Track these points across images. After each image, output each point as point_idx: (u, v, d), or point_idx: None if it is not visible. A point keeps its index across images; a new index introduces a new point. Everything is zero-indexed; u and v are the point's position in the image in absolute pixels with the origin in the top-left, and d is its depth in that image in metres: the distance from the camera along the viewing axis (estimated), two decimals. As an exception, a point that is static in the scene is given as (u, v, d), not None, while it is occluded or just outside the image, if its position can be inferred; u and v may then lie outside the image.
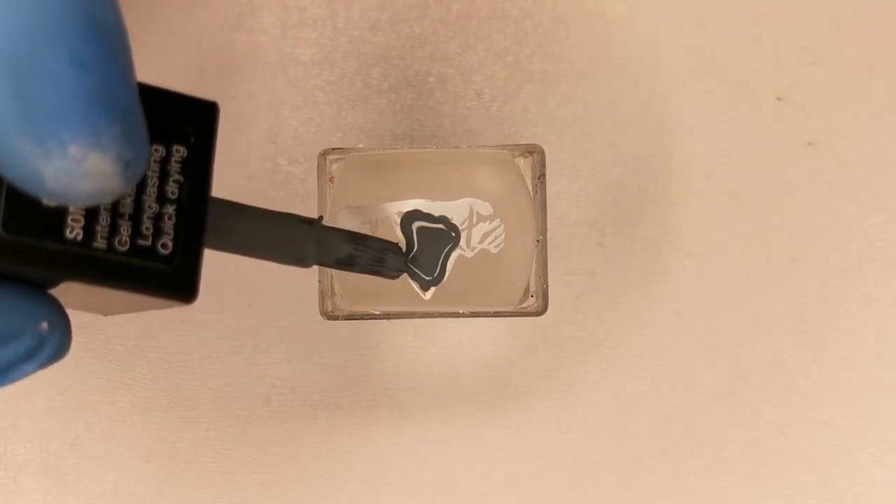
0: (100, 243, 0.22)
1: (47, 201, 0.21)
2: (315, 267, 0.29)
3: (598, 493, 0.36)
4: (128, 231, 0.22)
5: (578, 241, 0.36)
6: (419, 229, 0.32)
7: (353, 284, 0.32)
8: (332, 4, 0.36)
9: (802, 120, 0.37)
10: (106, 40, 0.19)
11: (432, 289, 0.32)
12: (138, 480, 0.36)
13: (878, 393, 0.36)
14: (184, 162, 0.23)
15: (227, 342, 0.36)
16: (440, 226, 0.32)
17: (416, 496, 0.36)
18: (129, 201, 0.22)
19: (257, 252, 0.26)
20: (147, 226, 0.22)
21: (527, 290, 0.32)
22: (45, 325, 0.22)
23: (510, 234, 0.32)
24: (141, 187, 0.22)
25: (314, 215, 0.27)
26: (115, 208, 0.22)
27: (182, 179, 0.23)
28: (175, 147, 0.23)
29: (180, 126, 0.23)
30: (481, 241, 0.32)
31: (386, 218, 0.32)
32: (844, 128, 0.37)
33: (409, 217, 0.32)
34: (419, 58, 0.37)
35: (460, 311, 0.32)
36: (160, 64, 0.36)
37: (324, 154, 0.32)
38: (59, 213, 0.21)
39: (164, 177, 0.22)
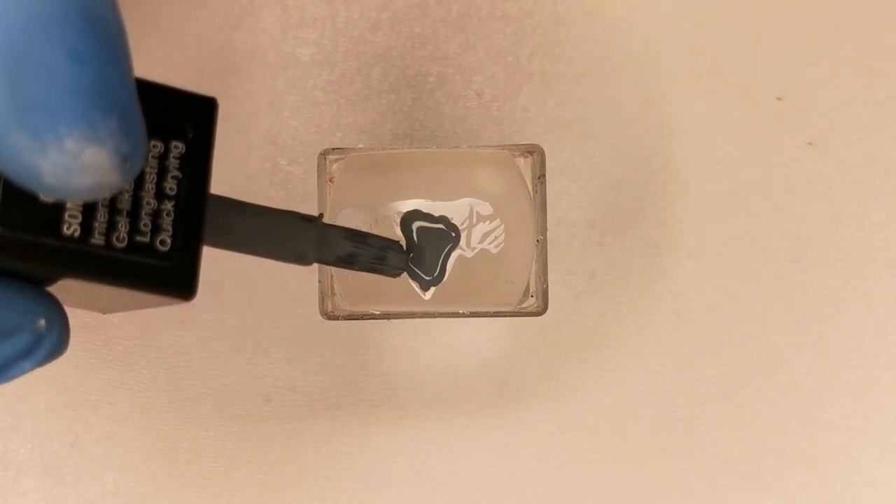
0: (97, 240, 0.21)
1: (44, 197, 0.21)
2: (315, 266, 0.29)
3: (598, 493, 0.36)
4: (126, 227, 0.22)
5: (578, 241, 0.36)
6: (419, 229, 0.32)
7: (353, 284, 0.32)
8: (332, 4, 0.37)
9: (802, 120, 0.37)
10: (103, 34, 0.19)
11: (432, 289, 0.32)
12: (138, 480, 0.36)
13: (878, 393, 0.36)
14: (182, 158, 0.23)
15: (227, 342, 0.36)
16: (440, 226, 0.32)
17: (416, 496, 0.36)
18: (127, 197, 0.22)
19: (257, 249, 0.26)
20: (145, 222, 0.22)
21: (527, 290, 0.32)
22: (42, 321, 0.22)
23: (510, 234, 0.32)
24: (139, 183, 0.22)
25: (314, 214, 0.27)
26: (112, 204, 0.22)
27: (181, 175, 0.22)
28: (173, 143, 0.22)
29: (179, 122, 0.23)
30: (481, 241, 0.32)
31: (386, 218, 0.32)
32: (844, 128, 0.37)
33: (409, 217, 0.32)
34: (419, 58, 0.37)
35: (460, 311, 0.32)
36: (160, 64, 0.36)
37: (324, 154, 0.32)
38: (57, 209, 0.21)
39: (162, 173, 0.22)
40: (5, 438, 0.36)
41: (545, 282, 0.32)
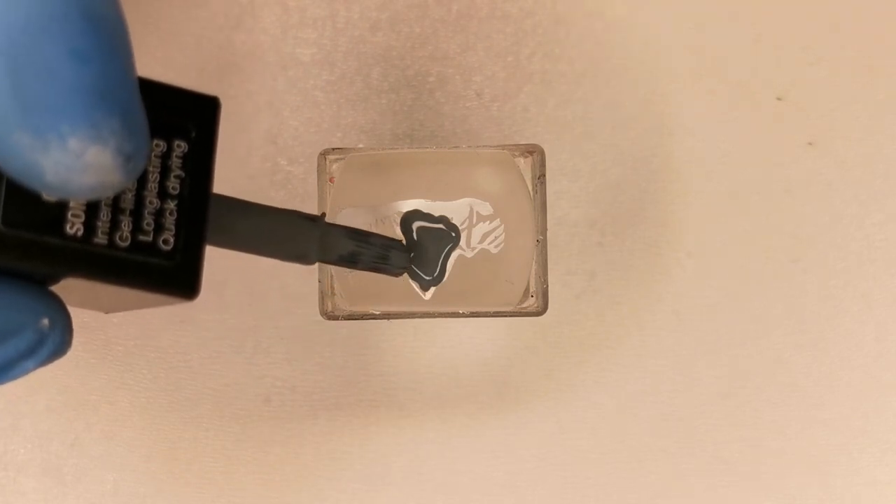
0: (100, 239, 0.21)
1: (47, 196, 0.21)
2: (315, 266, 0.29)
3: (598, 493, 0.36)
4: (129, 227, 0.22)
5: (578, 241, 0.36)
6: (419, 229, 0.32)
7: (353, 284, 0.32)
8: (332, 4, 0.37)
9: (802, 120, 0.37)
10: (105, 33, 0.19)
11: (432, 289, 0.32)
12: (138, 480, 0.36)
13: (878, 393, 0.36)
14: (185, 157, 0.23)
15: (227, 342, 0.36)
16: (440, 226, 0.32)
17: (416, 496, 0.36)
18: (129, 196, 0.22)
19: (259, 249, 0.26)
20: (148, 221, 0.22)
21: (527, 290, 0.32)
22: (45, 321, 0.22)
23: (510, 234, 0.32)
24: (142, 182, 0.22)
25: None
26: (115, 203, 0.22)
27: (183, 175, 0.22)
28: (176, 142, 0.22)
29: (181, 121, 0.23)
30: (481, 241, 0.32)
31: (386, 218, 0.32)
32: (844, 128, 0.37)
33: (409, 217, 0.32)
34: (419, 58, 0.37)
35: (460, 311, 0.32)
36: (160, 64, 0.36)
37: (324, 154, 0.32)
38: (60, 209, 0.21)
39: (165, 172, 0.22)
40: (5, 438, 0.36)
41: (545, 282, 0.32)
